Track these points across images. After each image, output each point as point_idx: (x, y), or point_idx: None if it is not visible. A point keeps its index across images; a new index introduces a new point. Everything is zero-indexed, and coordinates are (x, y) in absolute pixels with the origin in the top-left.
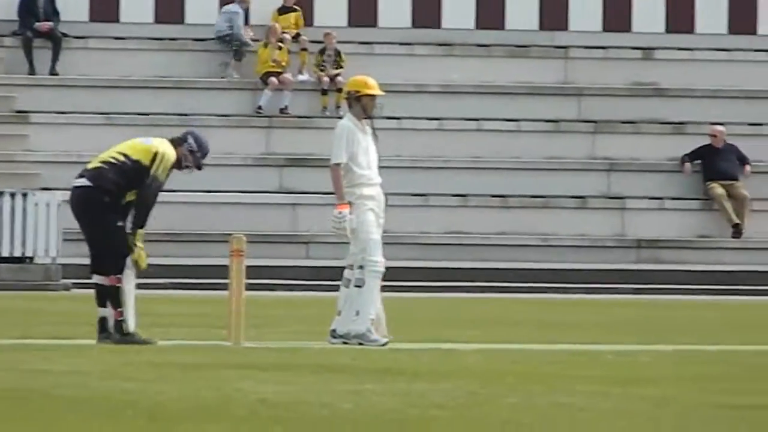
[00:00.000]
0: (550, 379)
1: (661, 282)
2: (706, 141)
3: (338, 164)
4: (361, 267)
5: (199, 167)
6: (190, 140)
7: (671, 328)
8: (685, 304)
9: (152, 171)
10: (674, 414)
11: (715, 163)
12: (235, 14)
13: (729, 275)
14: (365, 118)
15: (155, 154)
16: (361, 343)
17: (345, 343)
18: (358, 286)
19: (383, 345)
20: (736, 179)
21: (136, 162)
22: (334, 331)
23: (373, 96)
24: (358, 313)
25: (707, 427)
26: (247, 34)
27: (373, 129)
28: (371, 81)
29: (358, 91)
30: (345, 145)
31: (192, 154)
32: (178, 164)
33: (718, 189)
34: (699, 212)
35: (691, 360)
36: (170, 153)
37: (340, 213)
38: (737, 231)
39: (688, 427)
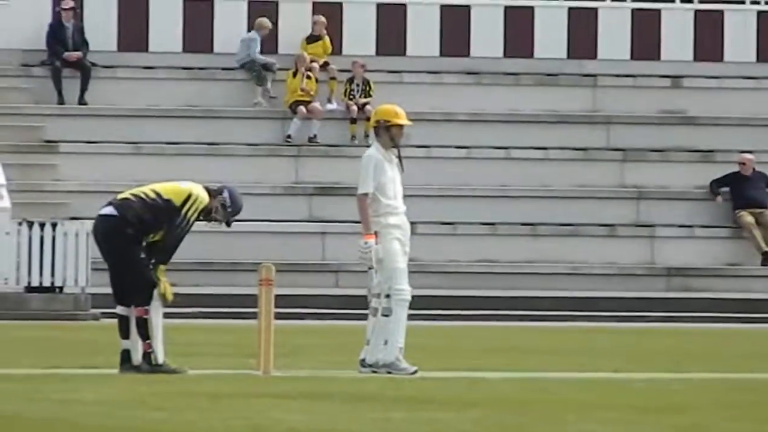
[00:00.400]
0: (581, 408)
1: (691, 310)
2: (735, 168)
3: (365, 194)
4: (387, 296)
5: (228, 224)
6: (225, 194)
7: (702, 356)
8: (715, 332)
9: (183, 210)
10: None
11: (744, 191)
12: (252, 41)
13: (759, 303)
14: (392, 147)
15: (189, 196)
16: (390, 372)
17: (374, 372)
18: (386, 315)
19: (412, 373)
20: (765, 207)
21: (167, 201)
22: (363, 360)
23: (401, 126)
24: (386, 342)
25: None
26: (266, 59)
27: (399, 158)
28: (400, 110)
29: (388, 121)
30: (372, 175)
31: (224, 209)
32: (207, 213)
33: (747, 217)
34: (728, 240)
35: (722, 388)
36: (204, 197)
37: (366, 243)
38: (766, 259)
39: None
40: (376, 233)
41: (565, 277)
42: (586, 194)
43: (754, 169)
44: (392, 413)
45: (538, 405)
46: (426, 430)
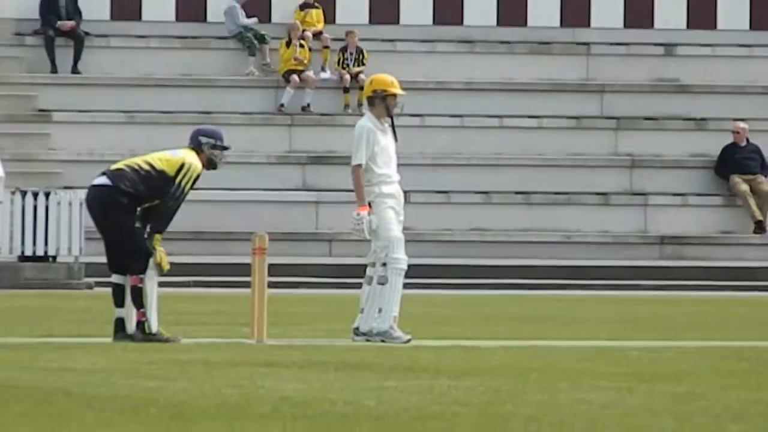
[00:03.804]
0: (575, 376)
1: (684, 278)
2: (727, 139)
3: (359, 165)
4: (384, 264)
5: (226, 148)
6: (203, 139)
7: (695, 324)
8: (709, 300)
9: (177, 180)
10: (700, 410)
11: (738, 159)
12: (232, 9)
13: (752, 271)
14: (386, 116)
15: (182, 165)
16: (383, 341)
17: (368, 340)
18: (381, 284)
19: (406, 342)
20: (758, 174)
21: (161, 172)
22: (357, 328)
23: (396, 95)
24: (380, 311)
25: (733, 424)
26: (251, 21)
27: (393, 127)
28: (395, 80)
29: (384, 90)
30: (365, 145)
31: (215, 148)
32: (212, 167)
33: (741, 185)
34: (722, 208)
35: (715, 356)
36: (196, 164)
37: (358, 215)
38: (760, 227)
39: (714, 424)
40: (369, 204)
41: (559, 246)
42: (579, 163)
43: (747, 140)
44: (386, 382)
45: (532, 373)
46: (420, 398)
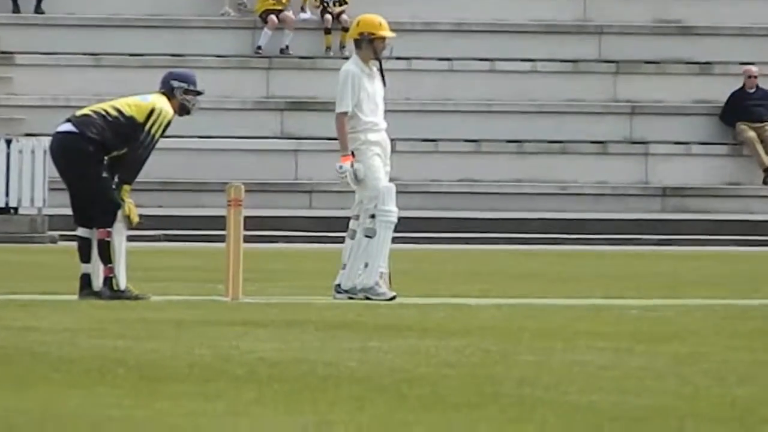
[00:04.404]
0: (570, 336)
1: (688, 232)
2: (733, 84)
3: (344, 113)
4: (372, 216)
5: (199, 93)
6: (175, 84)
7: (699, 281)
8: (714, 255)
9: (147, 126)
10: (704, 372)
11: (746, 105)
12: None
13: (760, 224)
14: (374, 59)
15: (152, 111)
16: (368, 297)
17: (350, 298)
18: (368, 237)
19: (391, 299)
20: (767, 122)
21: (130, 118)
22: (338, 285)
23: (384, 38)
24: (366, 265)
25: (739, 387)
26: None
27: (381, 71)
28: (383, 21)
29: (372, 33)
30: (351, 92)
31: (188, 93)
32: (184, 111)
33: (748, 132)
34: (728, 157)
35: (720, 315)
36: (167, 109)
37: (341, 167)
38: None
39: (718, 386)
40: (352, 153)
41: (554, 198)
42: (575, 109)
43: (758, 86)
44: (369, 342)
45: (524, 333)
46: (405, 360)
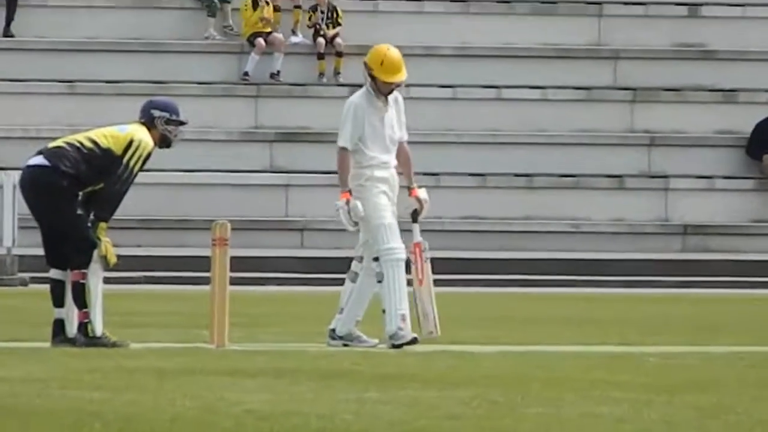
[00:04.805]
0: (584, 387)
1: (711, 273)
2: (759, 112)
3: (343, 148)
4: (376, 259)
5: (182, 123)
6: (156, 113)
7: (723, 326)
8: (738, 298)
9: (125, 159)
10: (728, 425)
11: None
12: None
13: None
14: (381, 95)
15: (130, 142)
16: (394, 345)
17: (345, 345)
18: (379, 281)
19: (412, 342)
20: None
21: (106, 150)
22: (333, 330)
23: (391, 84)
24: (384, 311)
25: None
26: None
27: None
28: (393, 57)
29: (371, 70)
30: (351, 126)
31: (170, 123)
32: (165, 144)
33: None
34: (754, 192)
35: (746, 362)
36: (147, 140)
37: (336, 205)
38: None
39: None
40: (349, 192)
41: (566, 236)
42: (589, 140)
43: None
44: (366, 393)
45: (534, 383)
46: (405, 412)
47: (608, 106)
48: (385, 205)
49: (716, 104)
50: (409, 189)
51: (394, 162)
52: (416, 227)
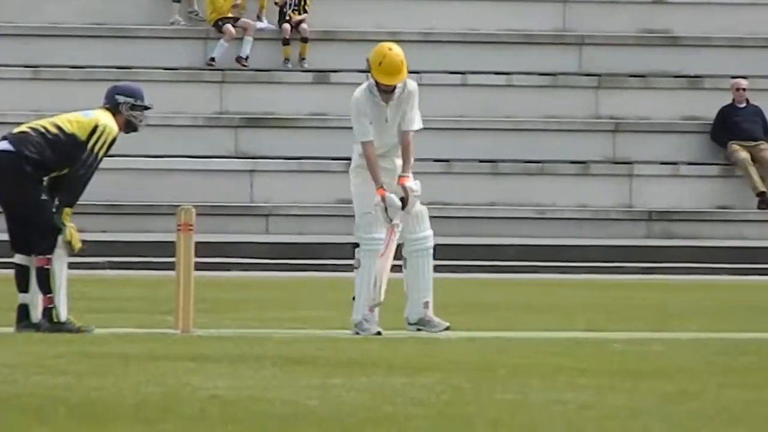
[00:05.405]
0: (548, 372)
1: (676, 259)
2: (724, 98)
3: (367, 142)
4: (357, 245)
5: (147, 108)
6: (121, 99)
7: (687, 312)
8: (703, 284)
9: (90, 145)
10: (693, 412)
11: (736, 121)
12: None
13: (753, 252)
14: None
15: (95, 127)
16: (357, 333)
17: (357, 333)
18: (356, 268)
19: (377, 334)
20: (761, 140)
21: (71, 136)
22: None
23: (387, 86)
24: (353, 299)
25: (732, 427)
26: None
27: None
28: (391, 59)
29: (371, 68)
30: (358, 123)
31: (134, 108)
32: (130, 129)
33: (741, 152)
34: (719, 179)
35: (710, 349)
36: (112, 125)
37: (375, 201)
38: (763, 200)
39: (709, 428)
40: (383, 186)
41: (530, 222)
42: (554, 126)
43: (748, 100)
44: (331, 379)
45: (499, 369)
46: (370, 397)
47: (573, 92)
48: (371, 193)
49: (681, 90)
50: (399, 177)
51: (396, 152)
52: (399, 214)
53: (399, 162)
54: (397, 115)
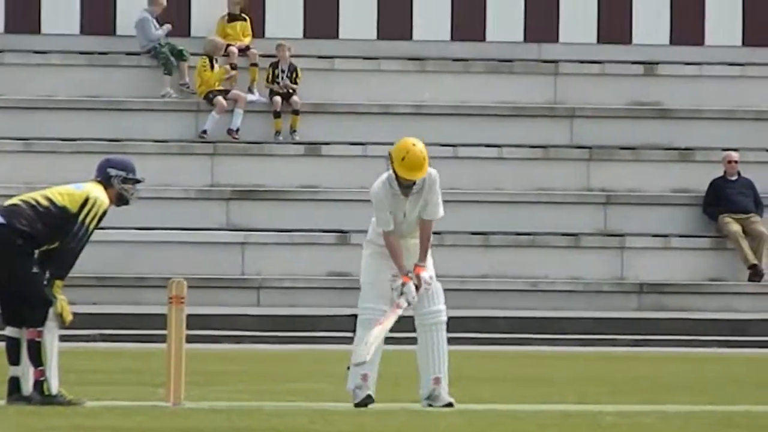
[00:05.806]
0: None
1: (667, 332)
2: (716, 171)
3: (388, 232)
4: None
5: (138, 182)
6: (113, 172)
7: (679, 385)
8: (694, 357)
9: (81, 217)
10: None
11: (729, 195)
12: (144, 22)
13: (744, 324)
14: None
15: (86, 200)
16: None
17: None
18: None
19: (361, 404)
20: (752, 213)
21: (62, 208)
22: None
23: (407, 181)
24: (348, 368)
25: None
26: (162, 32)
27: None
28: (414, 154)
29: (392, 162)
30: (380, 214)
31: (126, 182)
32: (122, 202)
33: (732, 225)
34: (710, 251)
35: (701, 422)
36: (103, 198)
37: (392, 286)
38: (755, 273)
39: None
40: (407, 274)
41: (522, 294)
42: (545, 199)
43: (739, 173)
44: None
45: None
46: None
47: (564, 165)
48: (377, 268)
49: (672, 162)
50: (416, 266)
51: (413, 239)
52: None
53: (413, 242)
54: (416, 206)
